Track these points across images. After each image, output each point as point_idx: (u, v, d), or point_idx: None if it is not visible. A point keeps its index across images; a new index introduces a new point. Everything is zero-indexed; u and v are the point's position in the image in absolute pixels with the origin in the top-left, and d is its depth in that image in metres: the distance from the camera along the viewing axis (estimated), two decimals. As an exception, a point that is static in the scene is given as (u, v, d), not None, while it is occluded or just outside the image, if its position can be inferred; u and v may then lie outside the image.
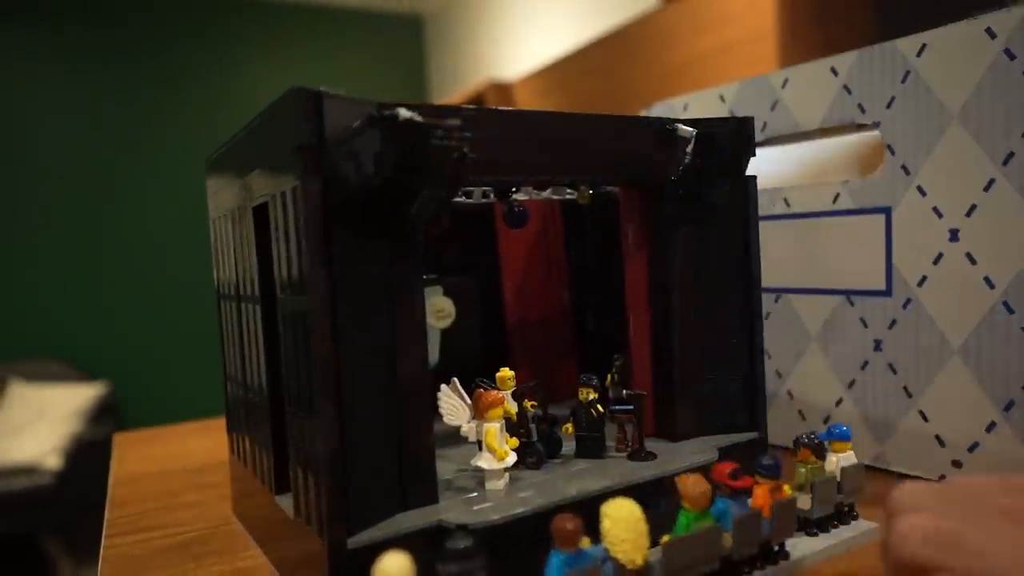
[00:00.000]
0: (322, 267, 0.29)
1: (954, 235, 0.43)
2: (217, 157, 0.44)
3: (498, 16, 3.73)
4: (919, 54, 0.45)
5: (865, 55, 0.48)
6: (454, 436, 0.38)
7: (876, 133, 0.48)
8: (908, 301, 0.46)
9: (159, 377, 3.77)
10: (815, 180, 0.55)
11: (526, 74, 2.94)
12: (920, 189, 0.45)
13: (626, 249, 0.43)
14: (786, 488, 0.34)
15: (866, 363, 0.49)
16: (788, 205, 0.54)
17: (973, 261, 0.43)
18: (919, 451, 0.46)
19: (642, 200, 0.42)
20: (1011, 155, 0.40)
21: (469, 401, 0.36)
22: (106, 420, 3.20)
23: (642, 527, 0.28)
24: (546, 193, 0.45)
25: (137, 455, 0.65)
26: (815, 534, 0.36)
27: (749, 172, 0.42)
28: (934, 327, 0.45)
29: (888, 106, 0.46)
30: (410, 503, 0.33)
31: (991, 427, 0.42)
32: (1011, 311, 0.41)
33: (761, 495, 0.33)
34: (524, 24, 3.51)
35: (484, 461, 0.34)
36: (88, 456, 2.97)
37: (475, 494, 0.34)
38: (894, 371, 0.47)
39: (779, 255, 0.54)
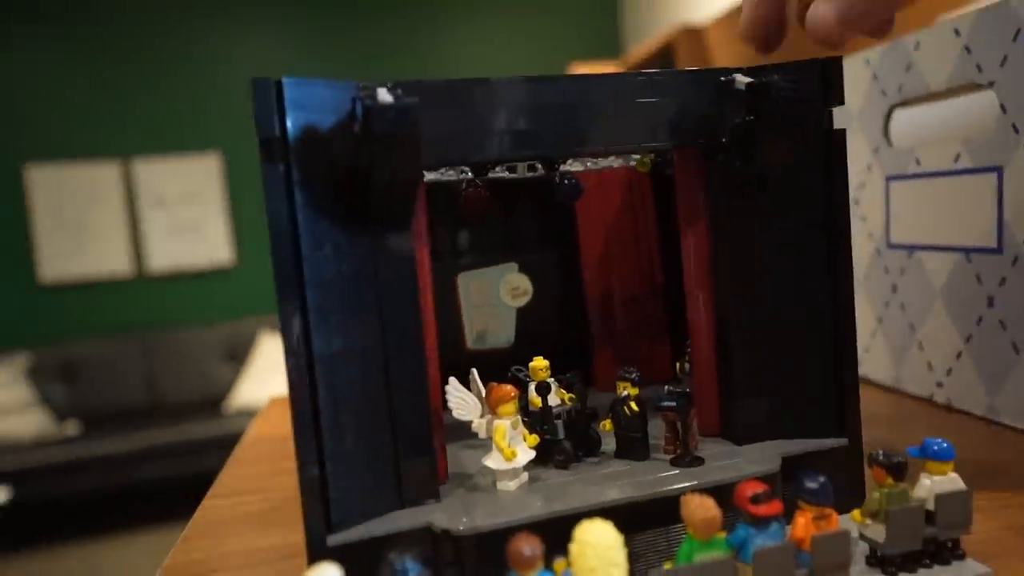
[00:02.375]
0: (288, 258, 0.28)
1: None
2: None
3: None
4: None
5: (983, 15, 0.47)
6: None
7: (992, 93, 0.47)
8: (1016, 258, 0.46)
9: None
10: (939, 139, 0.53)
11: (719, 15, 2.74)
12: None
13: (681, 221, 0.37)
14: (834, 518, 0.27)
15: (980, 319, 0.49)
16: (919, 164, 0.53)
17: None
18: (1011, 396, 0.47)
19: (698, 164, 0.35)
20: None
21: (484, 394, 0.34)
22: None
23: (614, 555, 0.24)
24: (608, 161, 0.40)
25: (278, 416, 0.70)
26: (893, 573, 0.29)
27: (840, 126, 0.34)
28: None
29: (1002, 65, 0.46)
30: (407, 500, 0.31)
31: None
32: None
33: (802, 524, 0.27)
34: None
35: (492, 460, 0.32)
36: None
37: (486, 494, 0.32)
38: (1004, 327, 0.48)
39: (912, 213, 0.55)
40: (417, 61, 3.99)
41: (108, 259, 3.77)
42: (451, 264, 0.46)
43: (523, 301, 0.46)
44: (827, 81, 0.33)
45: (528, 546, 0.24)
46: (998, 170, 0.47)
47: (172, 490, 2.99)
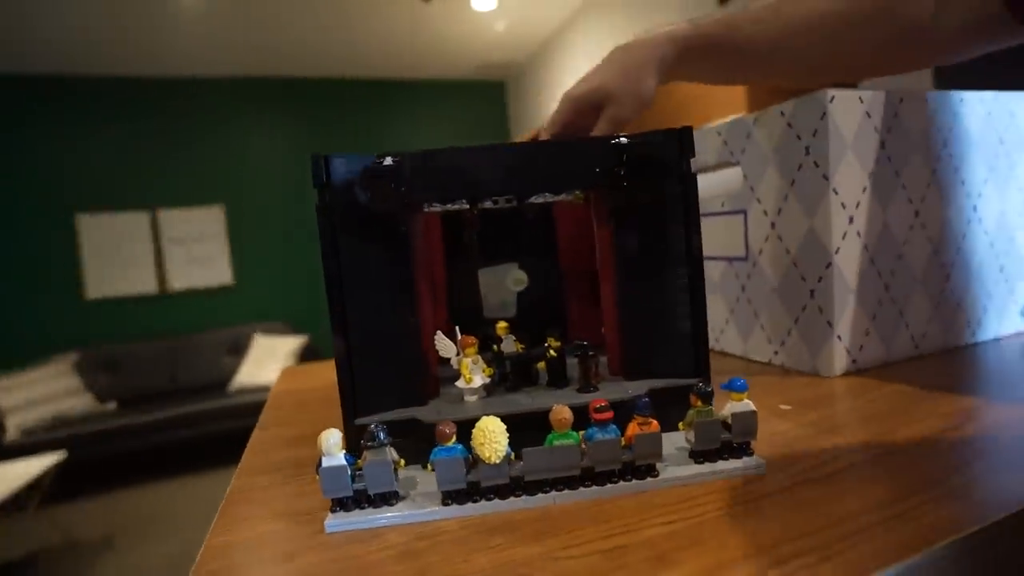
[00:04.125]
0: (331, 258, 0.28)
1: (773, 225, 0.49)
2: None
3: (556, 77, 3.65)
4: (754, 123, 0.49)
5: (733, 124, 0.52)
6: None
7: (738, 168, 0.52)
8: (755, 263, 0.51)
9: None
10: (714, 194, 0.57)
11: None
12: (758, 200, 0.50)
13: (596, 234, 0.37)
14: (654, 424, 0.28)
15: (738, 299, 0.54)
16: (703, 208, 0.56)
17: (780, 239, 0.48)
18: (753, 344, 0.53)
19: (604, 197, 0.36)
20: (793, 181, 0.46)
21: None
22: (312, 358, 3.38)
23: (496, 436, 0.26)
24: (561, 196, 0.38)
25: (288, 382, 0.65)
26: (701, 462, 0.29)
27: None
28: (766, 279, 0.50)
29: (743, 152, 0.51)
30: (407, 403, 0.32)
31: (786, 336, 0.49)
32: (796, 266, 0.47)
33: (630, 427, 0.28)
34: (571, 82, 3.41)
35: (460, 382, 0.33)
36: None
37: (455, 403, 0.33)
38: (750, 303, 0.53)
39: (703, 237, 0.56)
40: (372, 136, 3.94)
41: (139, 282, 3.45)
42: (474, 264, 0.44)
43: (522, 287, 0.44)
44: (683, 141, 0.34)
45: (447, 427, 0.25)
46: (744, 212, 0.52)
47: (191, 449, 2.76)
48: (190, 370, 3.32)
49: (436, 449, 0.26)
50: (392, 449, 0.26)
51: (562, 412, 0.27)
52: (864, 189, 0.45)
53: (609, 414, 0.27)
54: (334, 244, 0.29)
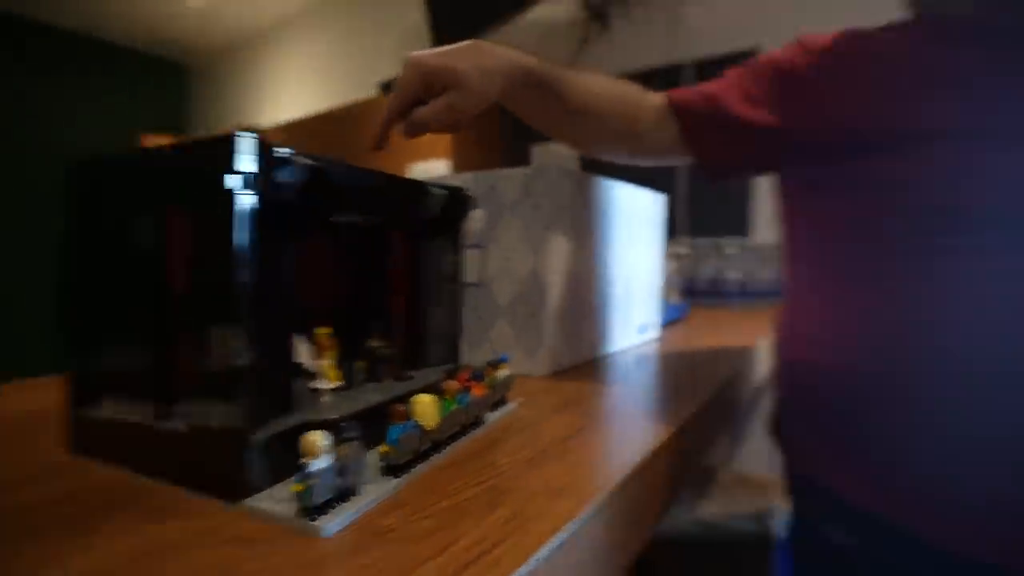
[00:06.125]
0: (258, 259, 0.28)
1: (506, 260, 0.62)
2: (108, 170, 0.34)
3: (253, 78, 3.30)
4: (498, 179, 0.61)
5: (480, 176, 0.64)
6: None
7: (480, 210, 0.64)
8: (488, 289, 0.64)
9: None
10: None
11: (273, 126, 2.65)
12: (495, 239, 0.63)
13: (393, 258, 0.44)
14: (484, 386, 0.40)
15: (469, 317, 0.66)
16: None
17: (509, 272, 0.61)
18: (480, 353, 0.64)
19: (405, 229, 0.44)
20: (525, 228, 0.60)
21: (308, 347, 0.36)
22: None
23: (434, 407, 0.32)
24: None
25: None
26: (493, 409, 0.42)
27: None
28: (496, 300, 0.62)
29: (487, 198, 0.63)
30: (282, 411, 0.32)
31: (513, 345, 0.63)
32: (521, 294, 0.60)
33: (478, 390, 0.39)
34: (275, 87, 3.17)
35: (321, 383, 0.35)
36: None
37: (314, 404, 0.34)
38: (481, 319, 0.65)
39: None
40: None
41: None
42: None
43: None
44: (467, 198, 0.47)
45: (402, 408, 0.31)
46: (479, 247, 0.65)
47: None
48: None
49: (391, 428, 0.29)
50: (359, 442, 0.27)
51: (454, 385, 0.35)
52: (566, 240, 0.66)
53: (475, 383, 0.37)
54: (261, 243, 0.27)
